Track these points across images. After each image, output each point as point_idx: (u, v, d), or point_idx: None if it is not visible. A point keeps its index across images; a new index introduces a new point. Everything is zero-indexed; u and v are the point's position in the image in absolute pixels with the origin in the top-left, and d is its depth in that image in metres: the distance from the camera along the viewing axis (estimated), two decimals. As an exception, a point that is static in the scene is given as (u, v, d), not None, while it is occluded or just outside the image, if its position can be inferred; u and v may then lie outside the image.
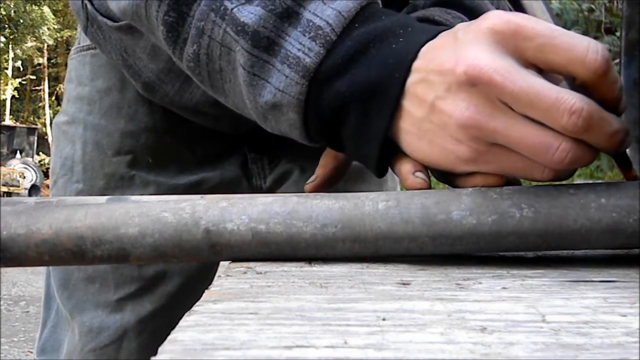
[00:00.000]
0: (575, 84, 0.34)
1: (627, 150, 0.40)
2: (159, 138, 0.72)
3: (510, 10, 0.66)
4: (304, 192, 0.55)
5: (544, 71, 0.35)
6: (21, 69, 21.91)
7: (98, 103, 0.73)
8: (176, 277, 0.74)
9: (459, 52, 0.35)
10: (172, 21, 0.45)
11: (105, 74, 0.73)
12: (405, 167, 0.41)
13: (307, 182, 0.52)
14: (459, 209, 0.34)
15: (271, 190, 0.76)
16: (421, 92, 0.38)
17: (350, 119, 0.41)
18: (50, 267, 0.76)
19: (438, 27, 0.41)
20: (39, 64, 22.31)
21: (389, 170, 0.76)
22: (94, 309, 0.72)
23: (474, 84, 0.34)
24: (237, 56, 0.43)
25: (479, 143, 0.36)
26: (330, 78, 0.40)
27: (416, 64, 0.38)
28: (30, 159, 13.55)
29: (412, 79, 0.38)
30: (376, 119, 0.40)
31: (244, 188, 0.76)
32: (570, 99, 0.32)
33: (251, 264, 0.35)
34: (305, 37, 0.41)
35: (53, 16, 19.40)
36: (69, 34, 19.95)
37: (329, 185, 0.52)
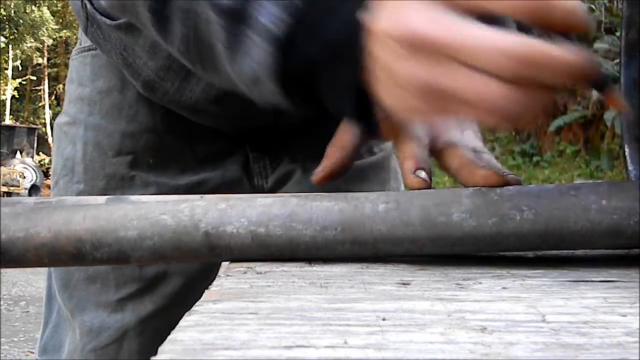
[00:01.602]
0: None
1: (627, 150, 0.40)
2: (159, 138, 0.72)
3: None
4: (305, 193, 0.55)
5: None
6: (20, 69, 21.92)
7: (99, 104, 0.73)
8: (177, 277, 0.73)
9: (399, 13, 0.36)
10: (156, 7, 0.46)
11: (105, 75, 0.73)
12: (407, 165, 0.42)
13: (315, 172, 0.53)
14: (459, 211, 0.34)
15: (273, 190, 0.76)
16: (376, 51, 0.39)
17: (323, 77, 0.42)
18: (52, 267, 0.76)
19: None
20: (39, 64, 22.32)
21: (391, 169, 0.75)
22: (94, 308, 0.72)
23: (416, 44, 0.35)
24: (217, 32, 0.44)
25: (431, 98, 0.36)
26: (300, 44, 0.41)
27: (370, 23, 0.39)
28: (30, 159, 13.55)
29: (369, 37, 0.39)
30: (345, 71, 0.41)
31: (246, 188, 0.76)
32: (504, 41, 0.33)
33: (251, 264, 0.35)
34: (275, 6, 0.42)
35: (52, 17, 19.41)
36: (68, 34, 19.96)
37: (336, 176, 0.52)
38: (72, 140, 0.74)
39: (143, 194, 0.70)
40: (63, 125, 0.76)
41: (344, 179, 0.72)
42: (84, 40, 0.75)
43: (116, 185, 0.72)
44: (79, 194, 0.72)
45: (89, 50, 0.75)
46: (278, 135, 0.70)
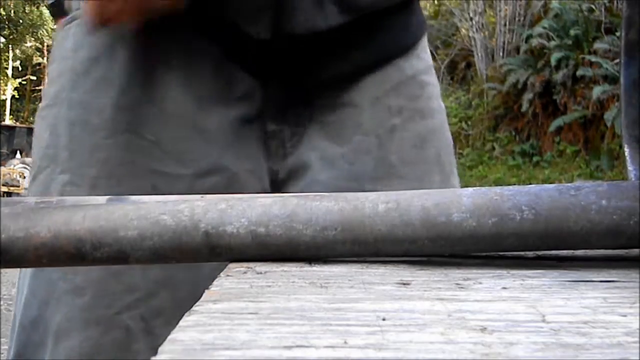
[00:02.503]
0: None
1: (627, 150, 0.40)
2: (159, 109, 0.61)
3: None
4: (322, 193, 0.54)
5: None
6: (20, 69, 21.93)
7: (83, 76, 0.62)
8: (183, 284, 0.60)
9: None
10: None
11: (90, 42, 0.62)
12: None
13: None
14: (459, 211, 0.34)
15: (284, 183, 0.66)
16: None
17: None
18: (27, 281, 0.63)
19: None
20: (39, 64, 22.33)
21: (431, 160, 0.69)
22: (84, 327, 0.57)
23: None
24: None
25: None
26: None
27: None
28: (30, 159, 13.53)
29: None
30: None
31: (260, 181, 0.64)
32: None
33: (251, 264, 0.35)
34: None
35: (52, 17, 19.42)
36: (69, 34, 19.95)
37: None
38: (52, 124, 0.62)
39: (140, 185, 0.60)
40: (41, 111, 0.64)
41: (372, 178, 0.65)
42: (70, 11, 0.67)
43: (110, 173, 0.60)
44: (64, 186, 0.60)
45: (73, 20, 0.65)
46: (302, 80, 0.64)
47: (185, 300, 0.58)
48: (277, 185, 0.66)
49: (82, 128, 0.61)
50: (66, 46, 0.64)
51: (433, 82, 0.71)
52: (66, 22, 0.66)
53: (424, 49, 0.71)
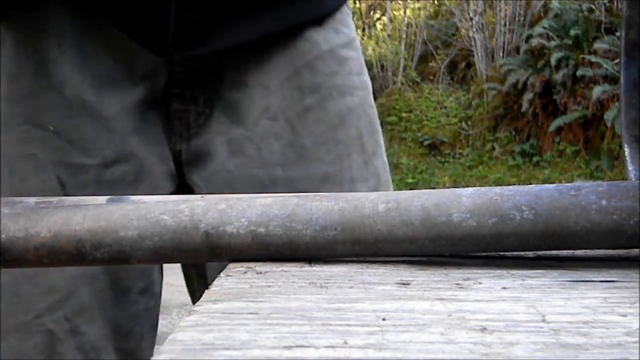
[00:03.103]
0: None
1: (627, 150, 0.40)
2: (59, 96, 0.57)
3: None
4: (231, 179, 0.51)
5: None
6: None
7: None
8: (101, 276, 0.58)
9: None
10: None
11: None
12: None
13: None
14: (459, 211, 0.34)
15: (188, 165, 0.62)
16: None
17: None
18: None
19: None
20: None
21: (351, 140, 0.64)
22: (1, 336, 0.55)
23: None
24: None
25: None
26: None
27: None
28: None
29: None
30: None
31: (168, 159, 0.62)
32: None
33: (251, 264, 0.35)
34: None
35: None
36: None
37: None
38: None
39: (46, 182, 0.57)
40: None
41: (283, 163, 0.60)
42: None
43: (11, 169, 0.57)
44: None
45: None
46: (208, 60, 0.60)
47: (105, 291, 0.57)
48: (179, 166, 0.63)
49: None
50: None
51: (354, 57, 0.66)
52: None
53: (343, 21, 0.66)
